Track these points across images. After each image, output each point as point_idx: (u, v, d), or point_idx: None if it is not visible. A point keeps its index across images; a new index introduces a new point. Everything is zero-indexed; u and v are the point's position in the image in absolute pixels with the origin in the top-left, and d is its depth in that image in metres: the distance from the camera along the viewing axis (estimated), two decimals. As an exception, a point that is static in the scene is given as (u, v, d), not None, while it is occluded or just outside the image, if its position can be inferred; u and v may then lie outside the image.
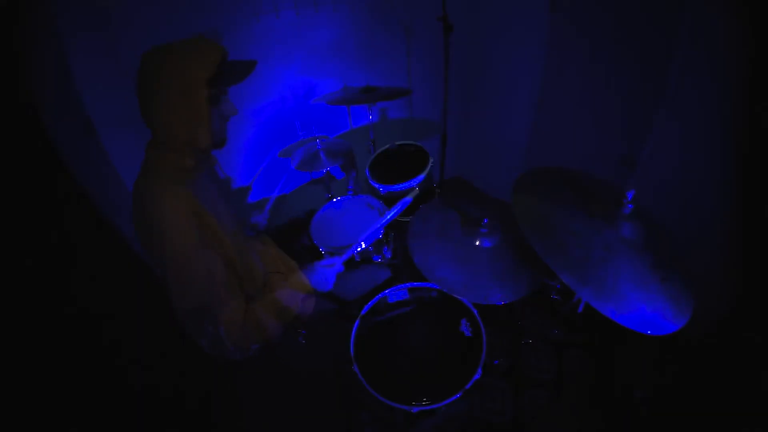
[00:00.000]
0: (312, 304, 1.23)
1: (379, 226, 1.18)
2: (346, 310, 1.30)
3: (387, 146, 1.90)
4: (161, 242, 0.84)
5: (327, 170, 1.80)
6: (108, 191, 1.43)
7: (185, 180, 0.90)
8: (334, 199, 1.66)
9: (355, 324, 1.18)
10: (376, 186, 1.69)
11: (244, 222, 1.37)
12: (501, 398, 1.54)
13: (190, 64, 0.84)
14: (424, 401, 1.00)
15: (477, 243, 1.17)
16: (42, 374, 1.12)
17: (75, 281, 1.24)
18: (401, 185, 1.64)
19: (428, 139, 2.42)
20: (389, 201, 1.64)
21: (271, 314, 1.01)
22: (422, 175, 1.66)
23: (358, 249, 1.36)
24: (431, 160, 1.74)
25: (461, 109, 2.42)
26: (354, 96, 1.74)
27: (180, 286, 0.86)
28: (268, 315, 1.00)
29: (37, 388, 1.10)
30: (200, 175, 0.98)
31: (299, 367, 1.18)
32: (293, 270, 1.34)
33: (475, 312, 1.19)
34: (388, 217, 1.17)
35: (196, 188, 0.92)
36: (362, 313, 1.21)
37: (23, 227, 1.12)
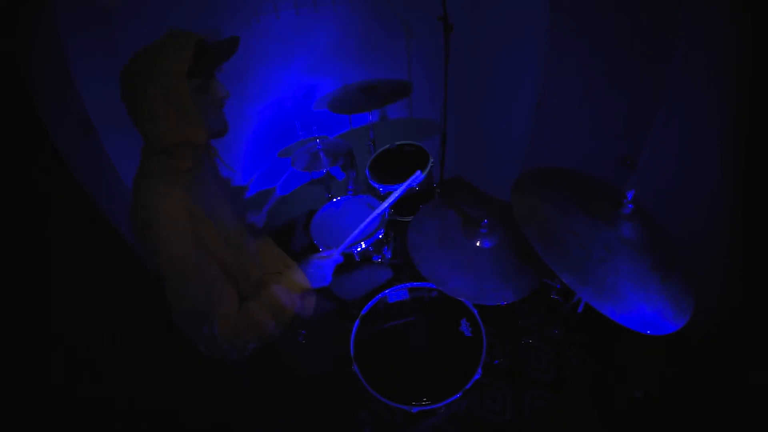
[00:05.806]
0: (312, 304, 1.23)
1: (383, 208, 1.18)
2: (346, 310, 1.30)
3: (387, 146, 1.90)
4: (156, 243, 0.84)
5: (327, 170, 1.80)
6: (108, 191, 1.43)
7: (181, 181, 0.90)
8: (334, 199, 1.66)
9: (355, 324, 1.18)
10: (376, 186, 1.69)
11: (244, 221, 1.37)
12: (501, 398, 1.54)
13: (164, 63, 0.81)
14: (424, 401, 1.00)
15: (477, 243, 1.18)
16: (38, 374, 1.12)
17: (74, 281, 1.24)
18: (401, 185, 1.64)
19: (428, 139, 2.42)
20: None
21: (268, 313, 0.99)
22: (422, 175, 1.65)
23: (360, 243, 1.36)
24: (431, 160, 1.74)
25: (461, 109, 2.42)
26: (356, 100, 1.73)
27: (175, 286, 0.86)
28: (264, 314, 0.99)
29: (34, 390, 1.10)
30: (199, 174, 0.97)
31: (299, 367, 1.18)
32: (291, 268, 1.34)
33: (475, 312, 1.19)
34: (394, 197, 1.16)
35: (193, 188, 0.91)
36: (362, 313, 1.21)
37: (22, 226, 1.12)
